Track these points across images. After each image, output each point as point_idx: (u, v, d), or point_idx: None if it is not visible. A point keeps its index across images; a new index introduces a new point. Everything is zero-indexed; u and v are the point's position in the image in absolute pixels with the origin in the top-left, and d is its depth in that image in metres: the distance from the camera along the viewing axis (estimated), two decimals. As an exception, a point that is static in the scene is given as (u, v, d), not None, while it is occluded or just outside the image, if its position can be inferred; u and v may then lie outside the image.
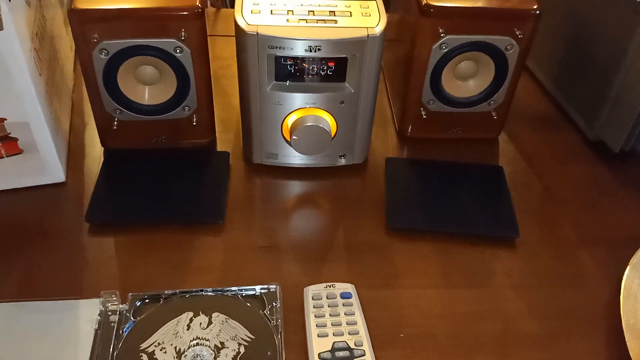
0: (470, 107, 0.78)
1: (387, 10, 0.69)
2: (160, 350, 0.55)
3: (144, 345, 0.55)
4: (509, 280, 0.66)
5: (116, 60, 0.66)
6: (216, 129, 0.79)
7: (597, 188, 0.78)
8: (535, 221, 0.73)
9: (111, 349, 0.55)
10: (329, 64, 0.67)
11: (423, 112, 0.78)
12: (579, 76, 0.84)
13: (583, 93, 0.84)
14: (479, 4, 0.70)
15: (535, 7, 0.70)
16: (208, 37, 0.69)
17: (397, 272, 0.66)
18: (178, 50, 0.66)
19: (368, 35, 0.64)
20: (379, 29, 0.65)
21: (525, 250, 0.69)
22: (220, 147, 0.79)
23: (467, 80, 0.76)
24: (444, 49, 0.71)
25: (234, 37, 0.66)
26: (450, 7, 0.69)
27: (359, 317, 0.58)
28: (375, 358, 0.56)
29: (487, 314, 0.63)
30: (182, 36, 0.65)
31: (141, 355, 0.55)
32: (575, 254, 0.70)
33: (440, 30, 0.70)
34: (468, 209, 0.73)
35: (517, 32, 0.71)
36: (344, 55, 0.66)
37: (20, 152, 0.68)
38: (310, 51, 0.64)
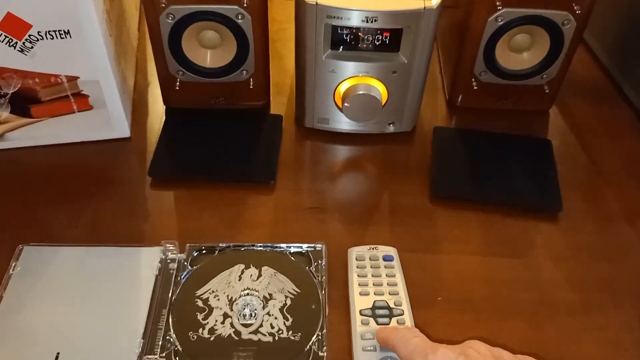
0: (522, 79, 0.78)
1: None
2: (214, 297, 0.60)
3: (199, 292, 0.60)
4: (549, 252, 0.68)
5: (181, 25, 0.69)
6: (270, 92, 0.82)
7: (646, 164, 0.78)
8: (580, 195, 0.74)
9: (170, 294, 0.61)
10: (384, 34, 0.68)
11: (474, 83, 0.79)
12: (636, 51, 0.83)
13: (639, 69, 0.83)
14: (538, -22, 0.71)
15: (594, -18, 0.70)
16: (266, 0, 0.71)
17: (438, 238, 0.69)
18: (240, 17, 0.69)
19: (425, 7, 0.66)
20: (435, 2, 0.66)
21: (568, 223, 0.71)
22: (273, 110, 0.82)
23: (521, 52, 0.77)
24: (500, 21, 0.72)
25: (291, 1, 0.68)
26: (508, -20, 0.70)
27: (399, 278, 0.61)
28: (413, 317, 0.59)
29: (524, 283, 0.65)
30: (244, 3, 0.68)
31: (196, 301, 0.60)
32: (618, 228, 0.71)
33: (497, 3, 0.70)
34: (513, 181, 0.74)
35: (575, 7, 0.70)
36: (400, 27, 0.67)
37: (90, 108, 0.73)
38: (367, 22, 0.66)
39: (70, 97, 0.71)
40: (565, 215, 0.71)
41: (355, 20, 0.66)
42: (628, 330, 0.61)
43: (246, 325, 0.58)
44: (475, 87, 0.79)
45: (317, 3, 0.65)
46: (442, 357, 0.47)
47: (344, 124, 0.77)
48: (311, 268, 0.63)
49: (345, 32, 0.68)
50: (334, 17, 0.66)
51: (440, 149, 0.77)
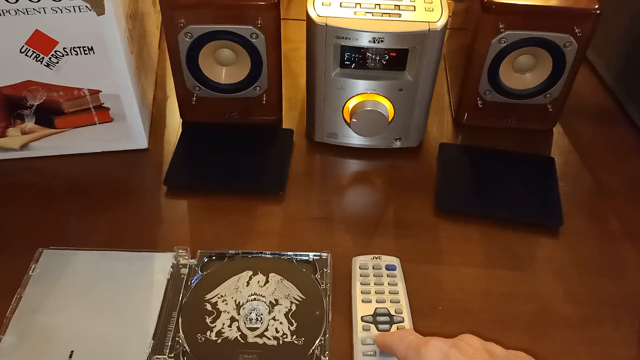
0: (526, 99, 0.80)
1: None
2: (222, 301, 0.63)
3: (208, 296, 0.63)
4: (549, 266, 0.69)
5: (199, 43, 0.73)
6: (283, 107, 0.85)
7: (647, 184, 0.80)
8: (582, 212, 0.75)
9: (180, 297, 0.63)
10: (391, 54, 0.71)
11: (479, 102, 0.81)
12: (640, 73, 0.86)
13: (643, 90, 0.85)
14: (540, 2, 0.73)
15: (596, 6, 0.72)
16: (281, 21, 0.74)
17: (441, 250, 0.71)
18: (254, 36, 0.72)
19: (429, 29, 0.69)
20: (440, 24, 0.69)
21: (569, 239, 0.72)
22: (285, 125, 0.85)
23: (524, 73, 0.79)
24: (503, 43, 0.74)
25: (304, 22, 0.71)
26: (512, 4, 0.72)
27: (401, 287, 0.64)
28: (413, 325, 0.61)
29: (524, 296, 0.66)
30: (258, 24, 0.71)
31: (205, 305, 0.62)
32: (619, 246, 0.72)
33: (501, 25, 0.73)
34: (515, 196, 0.76)
35: (577, 30, 0.73)
36: (405, 47, 0.70)
37: (110, 120, 0.77)
38: (374, 42, 0.69)
39: (92, 109, 0.75)
40: (566, 231, 0.73)
41: (363, 40, 0.69)
42: (625, 346, 0.63)
43: (252, 329, 0.61)
44: (480, 106, 0.81)
45: (326, 24, 0.69)
46: (434, 349, 0.49)
47: (352, 138, 0.80)
48: (316, 276, 0.65)
49: (353, 51, 0.71)
50: (343, 38, 0.69)
51: (445, 165, 0.80)
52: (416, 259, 0.69)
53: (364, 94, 0.75)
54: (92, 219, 0.73)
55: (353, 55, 0.72)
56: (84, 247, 0.68)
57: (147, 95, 0.84)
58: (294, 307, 0.62)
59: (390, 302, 0.62)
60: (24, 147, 0.77)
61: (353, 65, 0.73)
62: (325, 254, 0.67)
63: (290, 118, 0.86)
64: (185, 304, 0.63)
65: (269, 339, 0.60)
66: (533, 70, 0.78)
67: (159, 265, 0.66)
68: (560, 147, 0.84)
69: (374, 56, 0.72)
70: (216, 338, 0.60)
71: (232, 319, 0.61)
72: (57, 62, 0.69)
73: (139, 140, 0.80)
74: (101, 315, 0.62)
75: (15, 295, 0.63)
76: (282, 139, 0.83)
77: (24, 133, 0.76)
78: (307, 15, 0.70)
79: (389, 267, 0.65)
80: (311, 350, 0.59)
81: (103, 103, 0.75)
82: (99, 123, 0.77)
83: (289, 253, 0.67)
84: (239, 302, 0.63)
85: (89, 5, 0.65)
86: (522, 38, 0.74)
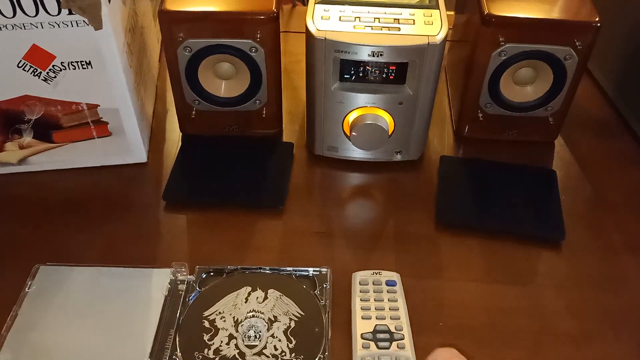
0: (527, 111, 0.80)
1: (456, 11, 0.71)
2: (221, 318, 0.62)
3: (206, 313, 0.63)
4: (551, 280, 0.69)
5: (198, 57, 0.73)
6: (283, 120, 0.85)
7: (649, 197, 0.79)
8: (583, 225, 0.75)
9: (178, 314, 0.63)
10: (391, 67, 0.71)
11: (480, 114, 0.81)
12: (642, 85, 0.85)
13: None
14: (540, 15, 0.73)
15: (596, 19, 0.72)
16: (282, 33, 0.75)
17: (442, 265, 0.70)
18: (253, 50, 0.72)
19: (429, 43, 0.68)
20: (439, 37, 0.69)
21: (570, 253, 0.72)
22: (285, 138, 0.85)
23: (525, 85, 0.79)
24: (503, 56, 0.74)
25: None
26: (511, 17, 0.72)
27: (401, 304, 0.63)
28: (414, 343, 0.60)
29: (526, 311, 0.66)
30: (257, 37, 0.71)
31: (203, 322, 0.62)
32: (621, 259, 0.71)
33: (501, 38, 0.73)
34: (516, 209, 0.75)
35: (577, 43, 0.72)
36: (405, 61, 0.70)
37: (109, 134, 0.76)
38: (374, 56, 0.69)
39: (90, 123, 0.75)
40: (567, 245, 0.72)
41: (362, 54, 0.69)
42: (628, 361, 0.62)
43: (250, 347, 0.60)
44: (481, 118, 0.81)
45: (325, 38, 0.68)
46: None
47: (352, 152, 0.80)
48: (316, 292, 0.65)
49: (352, 65, 0.71)
50: (342, 52, 0.69)
51: (446, 178, 0.79)
52: (417, 274, 0.68)
53: (364, 107, 0.74)
54: (89, 234, 0.72)
55: (353, 69, 0.72)
56: (81, 263, 0.67)
57: (147, 108, 0.83)
58: (293, 324, 0.62)
59: (391, 318, 0.61)
60: (21, 161, 0.77)
61: (353, 78, 0.73)
62: (325, 269, 0.66)
63: (291, 131, 0.86)
64: (182, 321, 0.62)
65: (268, 356, 0.59)
66: (534, 82, 0.78)
67: (157, 282, 0.66)
68: (561, 160, 0.84)
69: (373, 70, 0.72)
70: (214, 356, 0.59)
71: (230, 337, 0.61)
72: (55, 77, 0.69)
73: (138, 154, 0.79)
74: (98, 333, 0.61)
75: (11, 313, 0.62)
76: (282, 152, 0.82)
77: (21, 147, 0.76)
78: (307, 29, 0.70)
79: (389, 283, 0.65)
80: (310, 368, 0.59)
81: (101, 117, 0.74)
82: (97, 137, 0.76)
83: (288, 268, 0.67)
84: (238, 319, 0.62)
85: (86, 20, 0.65)
86: (522, 51, 0.73)
